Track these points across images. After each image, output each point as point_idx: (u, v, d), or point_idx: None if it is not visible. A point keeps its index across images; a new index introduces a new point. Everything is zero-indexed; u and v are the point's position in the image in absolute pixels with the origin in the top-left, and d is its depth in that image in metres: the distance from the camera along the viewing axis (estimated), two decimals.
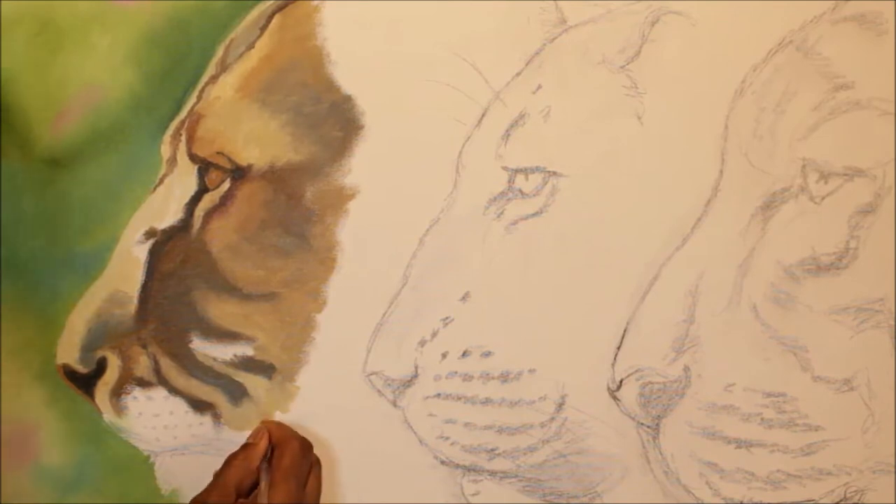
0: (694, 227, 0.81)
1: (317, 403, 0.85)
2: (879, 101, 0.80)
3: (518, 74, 0.83)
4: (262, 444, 0.81)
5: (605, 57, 0.82)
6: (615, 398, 0.82)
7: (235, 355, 0.85)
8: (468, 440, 0.83)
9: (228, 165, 0.84)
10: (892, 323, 0.80)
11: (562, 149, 0.82)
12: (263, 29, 0.84)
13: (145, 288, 0.85)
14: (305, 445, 0.82)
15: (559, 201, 0.83)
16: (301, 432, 0.85)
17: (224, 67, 0.84)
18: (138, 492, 0.87)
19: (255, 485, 0.81)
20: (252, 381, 0.85)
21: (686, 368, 0.81)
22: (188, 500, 0.85)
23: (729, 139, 0.81)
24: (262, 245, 0.84)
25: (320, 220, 0.84)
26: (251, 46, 0.84)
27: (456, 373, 0.83)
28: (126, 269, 0.85)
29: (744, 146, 0.81)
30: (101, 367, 0.86)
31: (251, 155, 0.84)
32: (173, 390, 0.86)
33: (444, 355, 0.83)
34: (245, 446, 0.82)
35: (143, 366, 0.86)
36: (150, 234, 0.85)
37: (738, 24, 0.81)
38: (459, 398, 0.83)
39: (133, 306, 0.85)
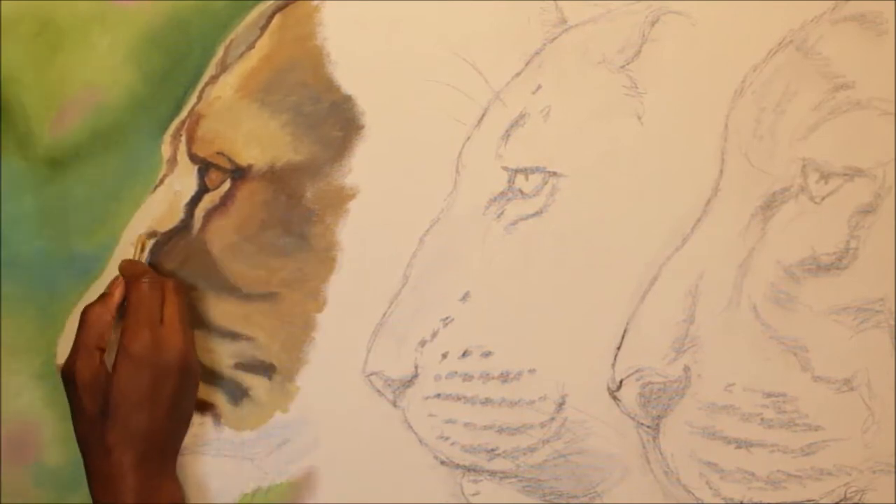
0: (694, 227, 0.81)
1: (317, 403, 0.85)
2: (879, 101, 0.80)
3: (518, 74, 0.83)
4: (117, 294, 0.81)
5: (605, 57, 0.82)
6: (615, 398, 0.82)
7: (235, 355, 0.85)
8: (468, 440, 0.83)
9: (228, 165, 0.84)
10: (892, 323, 0.80)
11: (562, 149, 0.82)
12: (263, 29, 0.84)
13: None
14: (153, 280, 0.81)
15: (559, 201, 0.83)
16: (301, 433, 0.85)
17: (224, 67, 0.84)
18: None
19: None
20: (252, 381, 0.85)
21: (686, 368, 0.81)
22: (188, 500, 0.85)
23: (729, 139, 0.81)
24: (262, 245, 0.84)
25: (320, 220, 0.84)
26: (251, 46, 0.84)
27: (456, 373, 0.83)
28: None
29: (744, 146, 0.81)
30: None
31: (251, 155, 0.84)
32: None
33: (444, 355, 0.83)
34: (100, 298, 0.81)
35: None
36: (151, 234, 0.85)
37: (738, 24, 0.81)
38: (459, 398, 0.83)
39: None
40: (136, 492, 0.77)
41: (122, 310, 0.81)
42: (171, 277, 0.83)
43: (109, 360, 0.79)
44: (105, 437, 0.77)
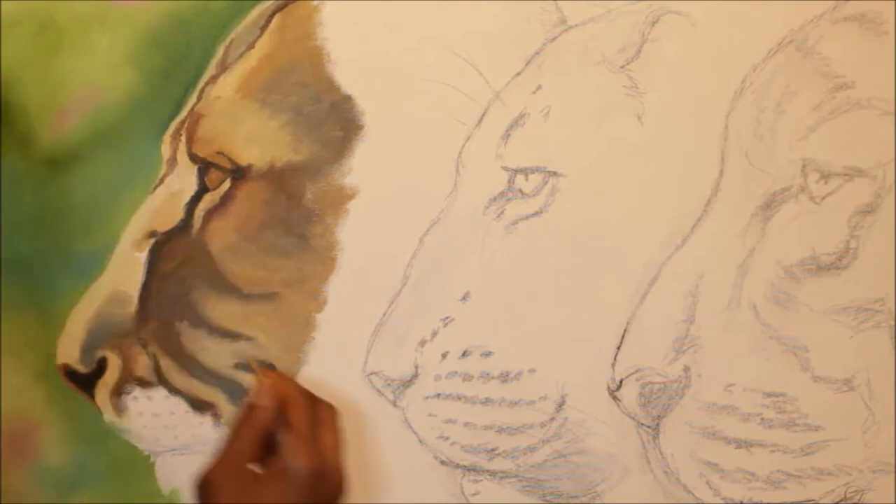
0: (694, 227, 0.81)
1: None
2: (879, 101, 0.80)
3: (518, 74, 0.83)
4: (270, 406, 0.77)
5: (605, 57, 0.82)
6: (615, 398, 0.82)
7: (235, 355, 0.85)
8: (468, 440, 0.83)
9: (228, 165, 0.84)
10: (892, 323, 0.80)
11: (562, 149, 0.82)
12: (263, 29, 0.84)
13: (145, 288, 0.85)
14: (309, 399, 0.78)
15: (559, 201, 0.83)
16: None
17: (224, 67, 0.84)
18: (138, 492, 0.87)
19: (265, 446, 0.77)
20: (252, 382, 0.85)
21: (686, 368, 0.81)
22: (188, 500, 0.85)
23: (729, 139, 0.81)
24: (262, 245, 0.84)
25: (320, 220, 0.84)
26: (251, 46, 0.84)
27: (456, 373, 0.83)
28: (126, 269, 0.85)
29: (744, 146, 0.81)
30: (101, 366, 0.86)
31: (251, 155, 0.84)
32: (173, 390, 0.86)
33: (444, 355, 0.83)
34: (250, 409, 0.78)
35: (143, 366, 0.86)
36: (151, 234, 0.85)
37: (738, 24, 0.81)
38: (459, 398, 0.83)
39: (133, 306, 0.85)
40: None
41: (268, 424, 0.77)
42: (327, 402, 0.80)
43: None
44: None
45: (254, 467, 0.76)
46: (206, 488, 0.76)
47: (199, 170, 0.85)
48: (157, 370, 0.86)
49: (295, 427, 0.77)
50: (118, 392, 0.86)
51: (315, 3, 0.83)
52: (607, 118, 0.82)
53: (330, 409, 0.80)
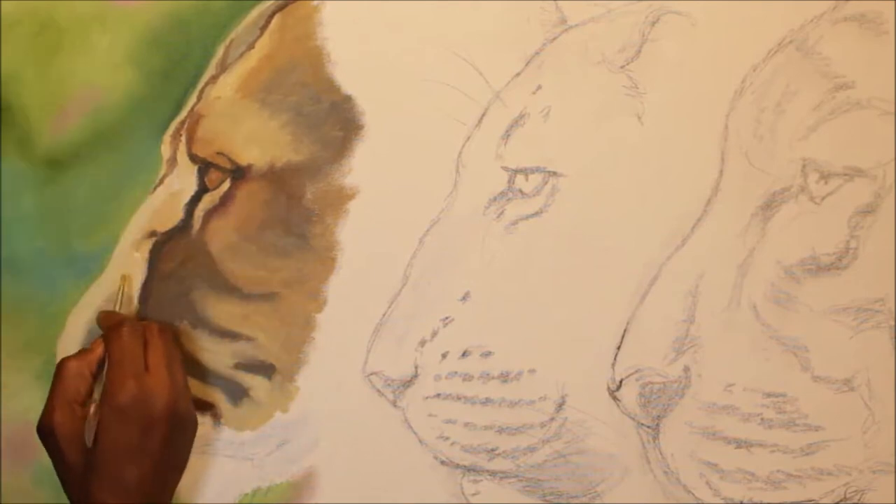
0: (694, 227, 0.81)
1: (317, 404, 0.85)
2: (879, 101, 0.80)
3: (518, 74, 0.83)
4: (98, 349, 0.78)
5: (605, 57, 0.82)
6: (615, 398, 0.82)
7: (235, 355, 0.85)
8: (468, 440, 0.83)
9: (228, 165, 0.84)
10: (892, 323, 0.80)
11: (562, 149, 0.82)
12: (263, 29, 0.84)
13: (145, 288, 0.85)
14: (133, 328, 0.77)
15: (559, 201, 0.83)
16: (301, 433, 0.85)
17: (224, 67, 0.84)
18: None
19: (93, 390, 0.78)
20: (252, 381, 0.85)
21: (686, 368, 0.81)
22: (188, 500, 0.85)
23: (729, 139, 0.81)
24: (262, 245, 0.84)
25: (320, 220, 0.84)
26: (251, 46, 0.84)
27: (456, 373, 0.83)
28: (126, 269, 0.85)
29: (744, 146, 0.81)
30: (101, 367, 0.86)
31: (251, 155, 0.84)
32: None
33: (444, 355, 0.83)
34: (79, 352, 0.78)
35: None
36: (151, 234, 0.85)
37: (738, 24, 0.81)
38: (459, 398, 0.83)
39: (133, 306, 0.85)
40: None
41: (104, 364, 0.78)
42: (154, 321, 0.80)
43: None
44: (92, 491, 0.74)
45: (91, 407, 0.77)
46: (43, 434, 0.76)
47: (199, 170, 0.85)
48: None
49: (111, 360, 0.76)
50: None
51: (315, 3, 0.83)
52: (607, 118, 0.82)
53: (151, 329, 0.78)
